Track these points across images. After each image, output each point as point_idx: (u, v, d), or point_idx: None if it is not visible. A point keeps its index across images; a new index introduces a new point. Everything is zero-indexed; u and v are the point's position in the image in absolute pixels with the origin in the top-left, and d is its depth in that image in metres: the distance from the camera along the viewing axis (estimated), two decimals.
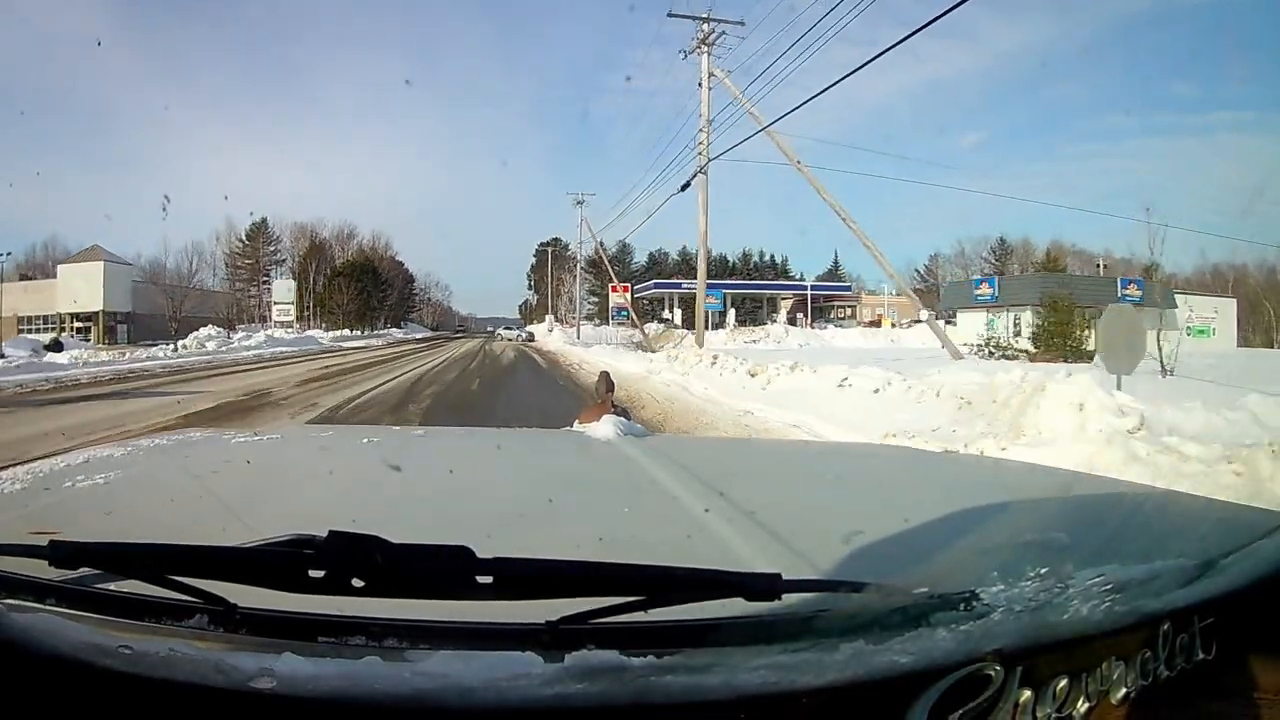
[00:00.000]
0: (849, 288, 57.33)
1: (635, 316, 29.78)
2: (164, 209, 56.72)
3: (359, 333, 54.73)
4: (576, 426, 1.82)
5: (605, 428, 1.50)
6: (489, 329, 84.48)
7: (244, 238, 61.95)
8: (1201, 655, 0.57)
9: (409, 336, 58.68)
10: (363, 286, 61.35)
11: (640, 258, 73.08)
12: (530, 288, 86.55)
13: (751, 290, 56.39)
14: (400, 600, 0.54)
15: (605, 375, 2.42)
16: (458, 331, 73.22)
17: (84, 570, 0.58)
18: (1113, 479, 1.35)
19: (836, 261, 67.92)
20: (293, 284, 51.94)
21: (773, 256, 70.95)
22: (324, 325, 57.70)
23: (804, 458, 1.69)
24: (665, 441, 1.62)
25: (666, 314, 51.10)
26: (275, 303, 48.47)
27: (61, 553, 0.56)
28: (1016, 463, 2.06)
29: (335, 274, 61.54)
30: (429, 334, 66.14)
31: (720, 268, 66.47)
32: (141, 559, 0.58)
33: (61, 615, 0.52)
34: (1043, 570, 0.59)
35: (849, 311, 53.02)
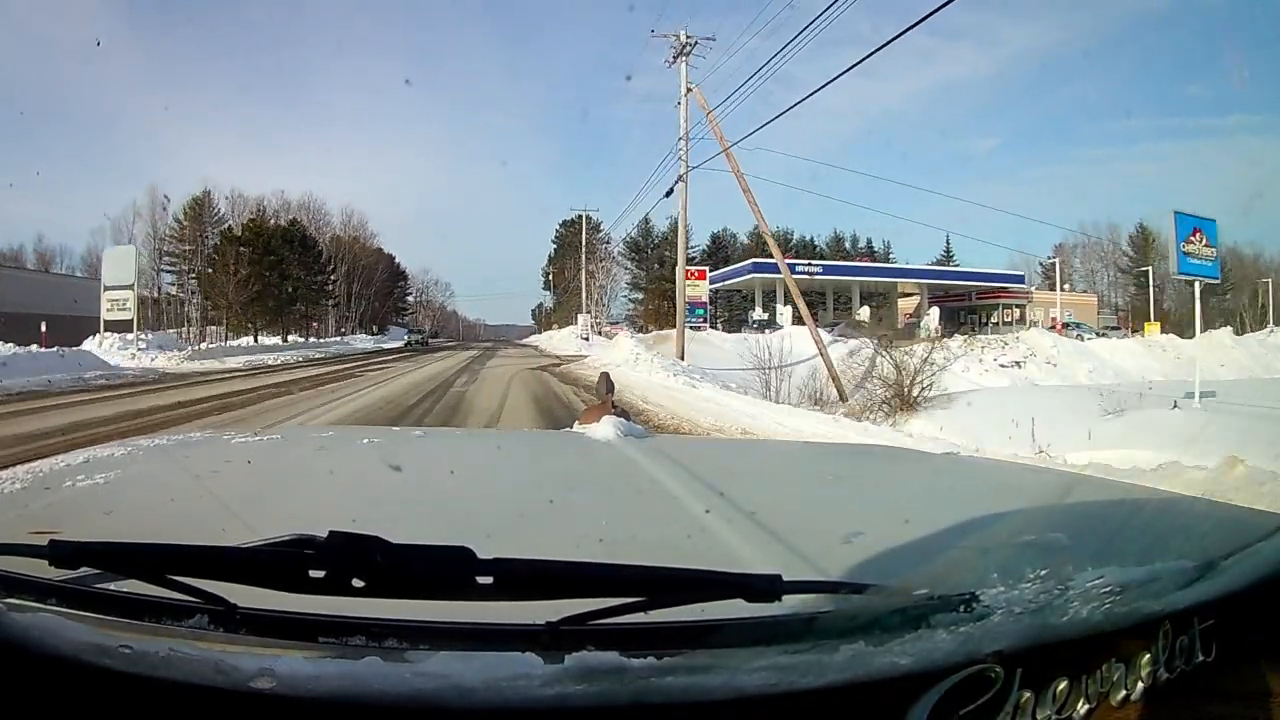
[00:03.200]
0: (1021, 279, 41.36)
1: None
2: (164, 208, 40.77)
3: (279, 340, 36.16)
4: (577, 427, 1.82)
5: (605, 429, 1.50)
6: (492, 339, 65.91)
7: (179, 218, 42.09)
8: (1201, 657, 0.57)
9: (379, 347, 41.40)
10: (274, 263, 38.24)
11: (700, 238, 53.64)
12: (546, 286, 67.18)
13: (866, 280, 40.50)
14: (400, 600, 0.54)
15: (605, 376, 2.41)
16: (415, 338, 46.16)
17: (84, 570, 0.58)
18: (1113, 480, 1.35)
19: (949, 248, 53.03)
20: (130, 251, 24.70)
21: (869, 241, 56.19)
22: (227, 325, 37.26)
23: (804, 458, 1.69)
24: (665, 442, 1.62)
25: (758, 313, 35.87)
26: (105, 287, 23.06)
27: (62, 552, 0.56)
28: (1017, 464, 2.06)
29: (227, 241, 37.76)
30: (409, 343, 44.97)
31: (806, 252, 52.21)
32: (141, 559, 0.58)
33: (62, 615, 0.52)
34: (1043, 572, 0.59)
35: (1018, 313, 38.28)
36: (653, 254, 55.99)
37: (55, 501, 0.91)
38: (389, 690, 0.46)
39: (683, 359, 16.81)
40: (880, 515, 0.98)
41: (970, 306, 37.85)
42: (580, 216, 52.90)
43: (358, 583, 0.54)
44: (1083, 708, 0.52)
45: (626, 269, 56.14)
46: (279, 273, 39.81)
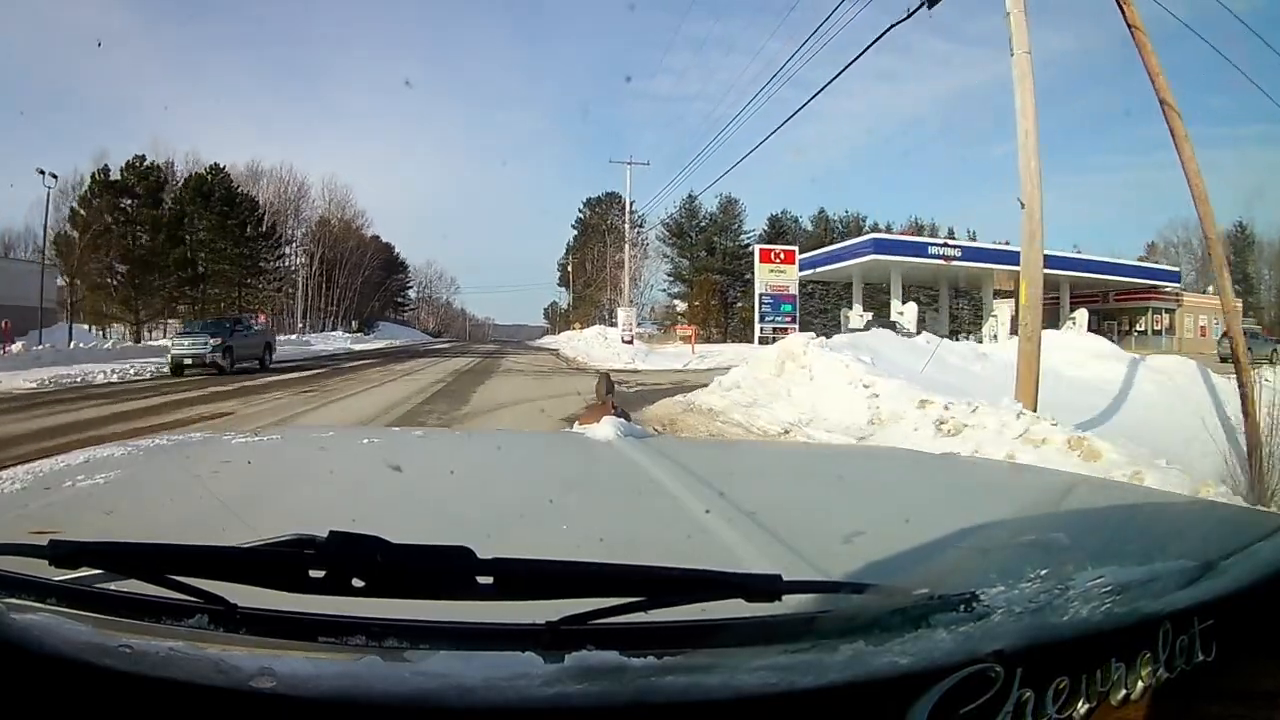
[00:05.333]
0: (1176, 276, 31.48)
1: None
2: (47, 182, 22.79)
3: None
4: (576, 428, 1.82)
5: (605, 429, 1.50)
6: (500, 341, 53.19)
7: (100, 179, 27.63)
8: (1201, 657, 0.57)
9: (345, 350, 30.11)
10: (166, 222, 25.89)
11: (754, 220, 45.57)
12: (562, 281, 58.08)
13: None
14: (400, 600, 0.54)
15: (605, 376, 2.41)
16: (197, 352, 15.89)
17: (84, 570, 0.58)
18: (1113, 481, 1.35)
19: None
20: None
21: (950, 228, 45.19)
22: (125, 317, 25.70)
23: (804, 458, 1.69)
24: (666, 443, 1.62)
25: (857, 311, 26.73)
26: None
27: (62, 552, 0.56)
28: (1017, 464, 2.07)
29: (98, 187, 25.15)
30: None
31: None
32: (142, 559, 0.58)
33: (62, 615, 0.52)
34: (1043, 571, 0.59)
35: (1167, 319, 29.40)
36: (699, 238, 45.56)
37: (55, 501, 0.91)
38: (389, 690, 0.46)
39: (1035, 408, 5.88)
40: (880, 515, 0.98)
41: (1109, 310, 28.44)
42: (610, 194, 43.11)
43: (358, 583, 0.54)
44: (1083, 707, 0.52)
45: (666, 257, 45.60)
46: (171, 236, 24.81)
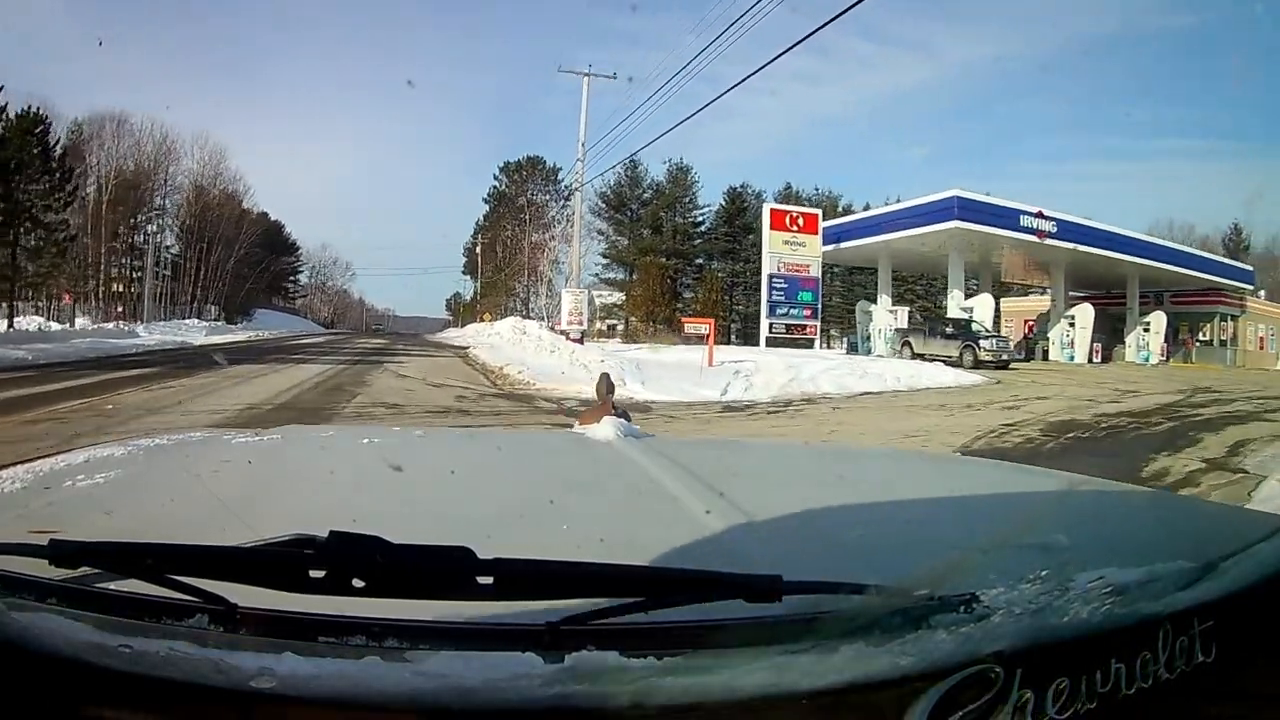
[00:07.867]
0: (1251, 276, 25.78)
1: None
2: None
3: None
4: (577, 428, 1.82)
5: (605, 429, 1.50)
6: (395, 333, 44.85)
7: None
8: (1201, 658, 0.57)
9: (111, 350, 16.25)
10: None
11: (709, 194, 37.17)
12: (468, 269, 49.30)
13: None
14: (400, 600, 0.54)
15: (605, 377, 2.41)
16: None
17: (84, 570, 0.58)
18: (1113, 481, 1.35)
19: None
20: None
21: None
22: None
23: (804, 458, 1.69)
24: (666, 443, 1.62)
25: (883, 305, 22.56)
26: None
27: (62, 552, 0.56)
28: (1016, 465, 2.07)
29: None
30: (250, 339, 23.81)
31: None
32: (142, 558, 0.58)
33: (62, 614, 0.52)
34: (1043, 572, 0.59)
35: (1230, 328, 24.41)
36: (644, 213, 36.41)
37: (55, 501, 0.91)
38: (389, 690, 0.46)
39: None
40: (880, 516, 0.98)
41: (1170, 313, 23.18)
42: (533, 159, 34.39)
43: (358, 583, 0.54)
44: (1083, 708, 0.52)
45: (600, 234, 36.19)
46: None
